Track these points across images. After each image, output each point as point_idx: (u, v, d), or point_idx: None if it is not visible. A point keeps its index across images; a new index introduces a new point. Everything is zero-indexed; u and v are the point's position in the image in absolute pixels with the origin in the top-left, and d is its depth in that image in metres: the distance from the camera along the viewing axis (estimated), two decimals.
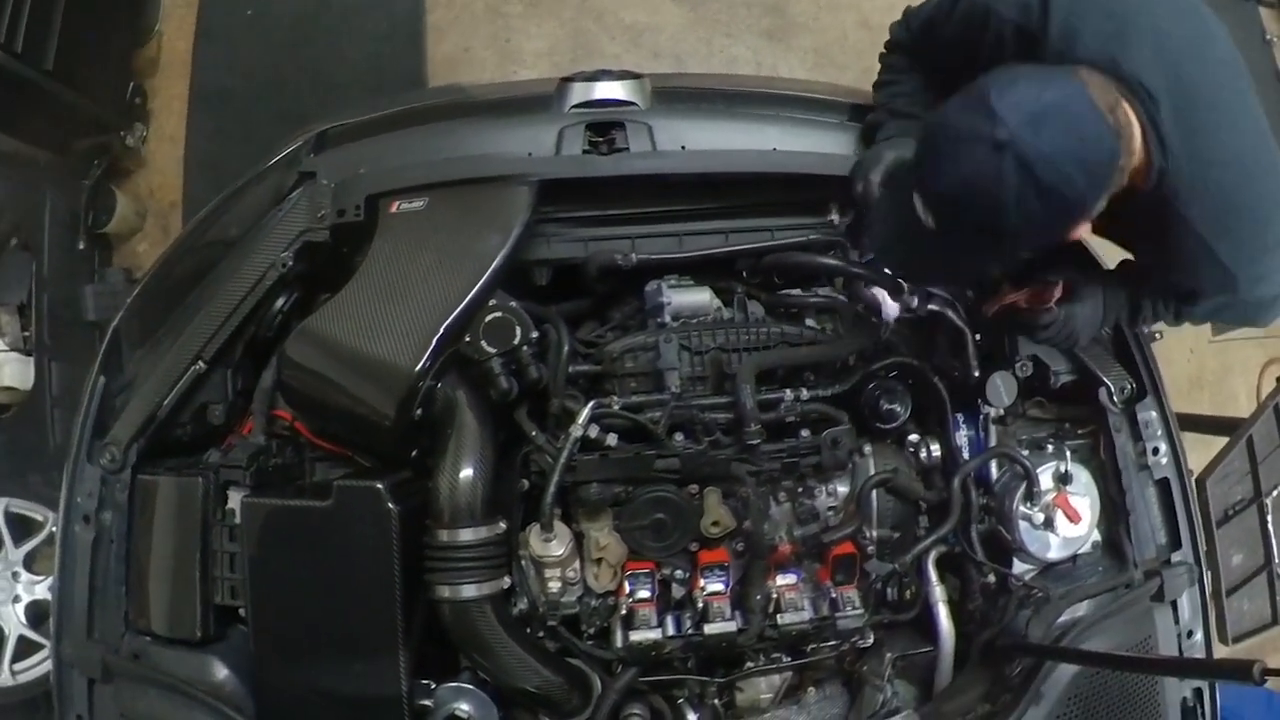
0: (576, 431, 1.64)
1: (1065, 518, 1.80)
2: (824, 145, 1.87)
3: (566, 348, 1.72)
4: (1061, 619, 1.76)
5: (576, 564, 1.74)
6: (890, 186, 1.60)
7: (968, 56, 1.61)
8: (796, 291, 1.90)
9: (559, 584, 1.73)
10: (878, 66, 1.88)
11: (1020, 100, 1.26)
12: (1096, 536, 1.89)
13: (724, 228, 1.87)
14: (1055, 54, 1.41)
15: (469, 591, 1.61)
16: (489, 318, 1.62)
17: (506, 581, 1.68)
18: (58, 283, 3.07)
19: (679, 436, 1.72)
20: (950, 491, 1.82)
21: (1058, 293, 1.66)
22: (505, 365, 1.63)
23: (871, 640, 1.88)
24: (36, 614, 2.92)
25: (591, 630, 1.80)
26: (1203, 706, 1.81)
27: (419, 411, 1.64)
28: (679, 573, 1.79)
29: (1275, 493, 2.39)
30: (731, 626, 1.71)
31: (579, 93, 1.87)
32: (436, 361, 1.62)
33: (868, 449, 1.87)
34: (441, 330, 1.61)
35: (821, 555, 1.79)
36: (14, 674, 2.89)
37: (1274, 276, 1.53)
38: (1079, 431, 1.93)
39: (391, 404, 1.61)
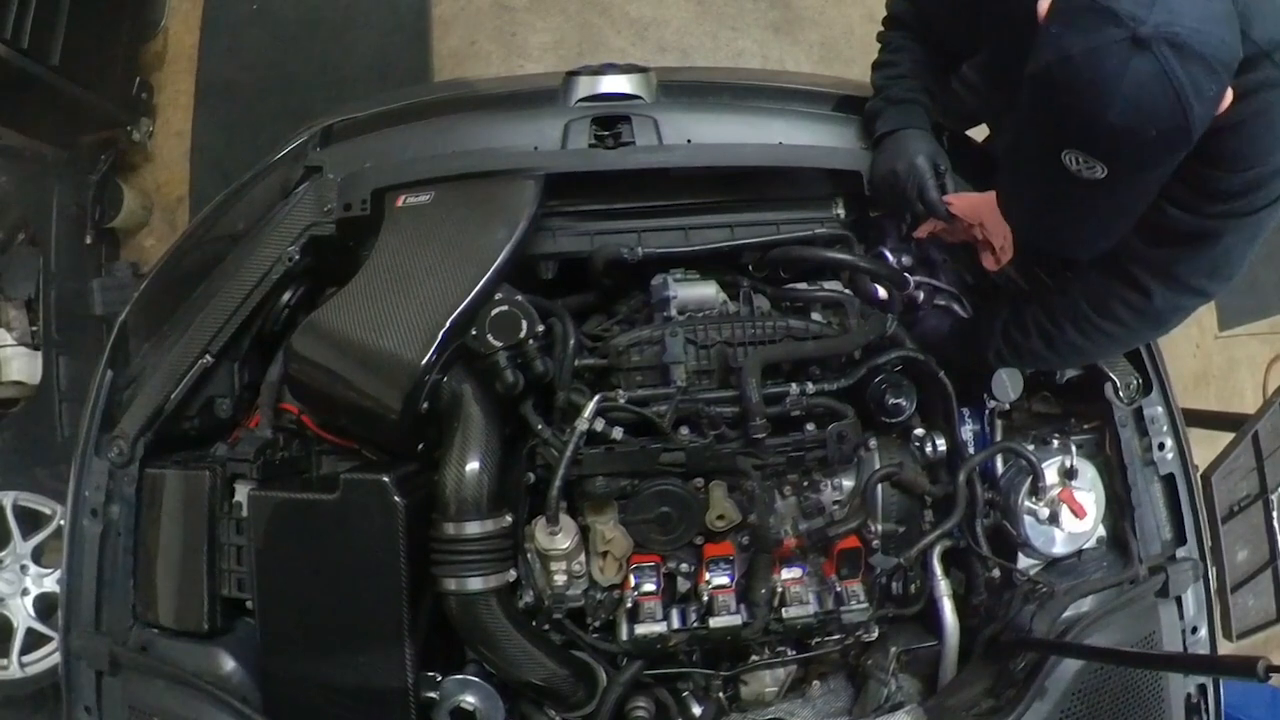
0: (582, 425, 1.64)
1: (1070, 513, 1.80)
2: (830, 139, 1.87)
3: (572, 341, 1.72)
4: (1066, 614, 1.76)
5: (582, 557, 1.74)
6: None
7: (972, 20, 1.57)
8: (802, 285, 1.90)
9: (564, 577, 1.73)
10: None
11: None
12: (1101, 532, 1.89)
13: (730, 221, 1.87)
14: None
15: (475, 584, 1.61)
16: (495, 311, 1.62)
17: (512, 574, 1.68)
18: (65, 277, 3.09)
19: (684, 430, 1.72)
20: (955, 486, 1.82)
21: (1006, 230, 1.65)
22: (511, 359, 1.63)
23: (876, 634, 1.88)
24: (45, 606, 2.94)
25: (597, 623, 1.80)
26: (1207, 702, 1.81)
27: (425, 405, 1.65)
28: (684, 566, 1.79)
29: None
30: (736, 620, 1.71)
31: (585, 86, 1.87)
32: (443, 355, 1.62)
33: (873, 443, 1.87)
34: (448, 324, 1.61)
35: (826, 549, 1.79)
36: (23, 666, 2.92)
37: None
38: (1084, 426, 1.93)
39: (398, 397, 1.61)
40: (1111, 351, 1.78)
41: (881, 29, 1.85)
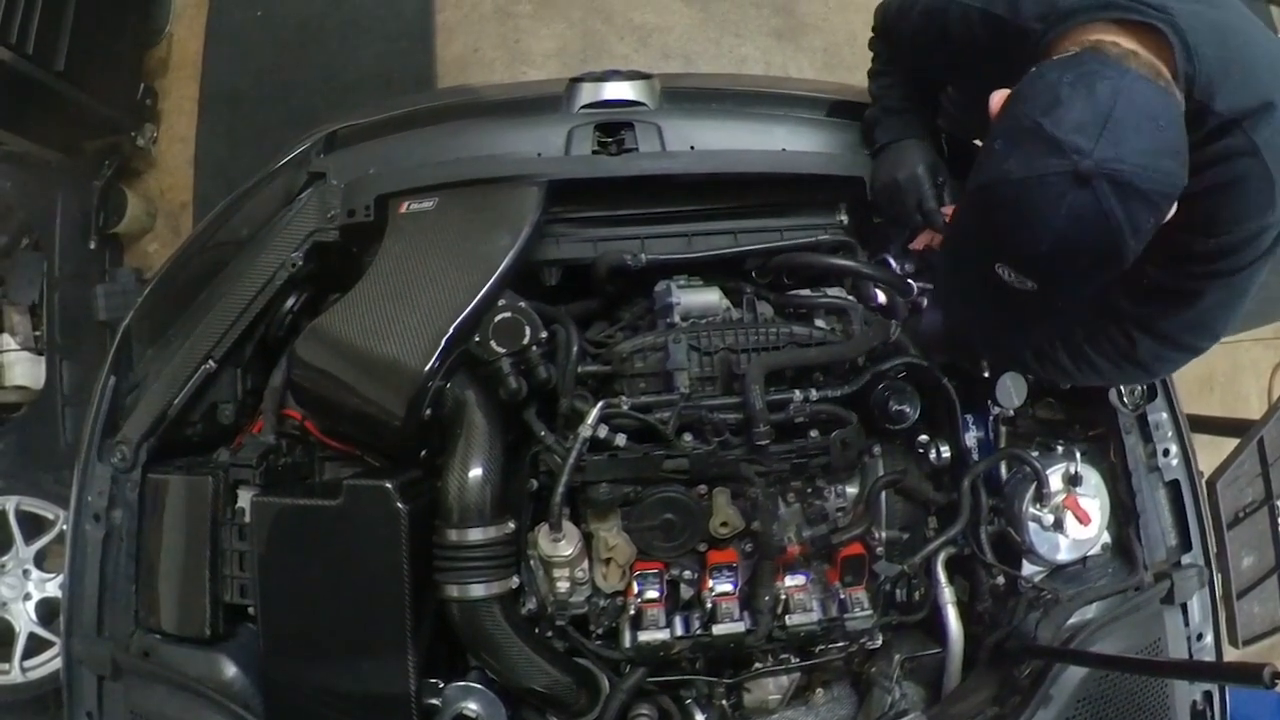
0: (585, 432, 1.64)
1: (1075, 519, 1.79)
2: (833, 145, 1.87)
3: (576, 348, 1.72)
4: (1071, 621, 1.75)
5: (585, 564, 1.74)
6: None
7: (933, 51, 1.56)
8: (805, 292, 1.89)
9: (567, 584, 1.73)
10: None
11: (1078, 117, 1.14)
12: (1106, 538, 1.89)
13: (733, 228, 1.87)
14: (1036, 18, 1.32)
15: (478, 591, 1.61)
16: (498, 318, 1.62)
17: (515, 581, 1.68)
18: (69, 283, 3.09)
19: (688, 437, 1.71)
20: (959, 493, 1.82)
21: None
22: (514, 365, 1.63)
23: (880, 641, 1.88)
24: (47, 611, 2.94)
25: (600, 630, 1.80)
26: (1212, 710, 1.81)
27: (428, 411, 1.65)
28: (688, 573, 1.79)
29: None
30: (740, 627, 1.71)
31: (588, 93, 1.88)
32: (446, 361, 1.62)
33: (877, 450, 1.87)
34: (451, 330, 1.61)
35: (830, 556, 1.79)
36: (24, 671, 2.92)
37: None
38: (1089, 433, 1.92)
39: (401, 404, 1.61)
40: (1097, 383, 1.75)
41: (871, 37, 1.85)
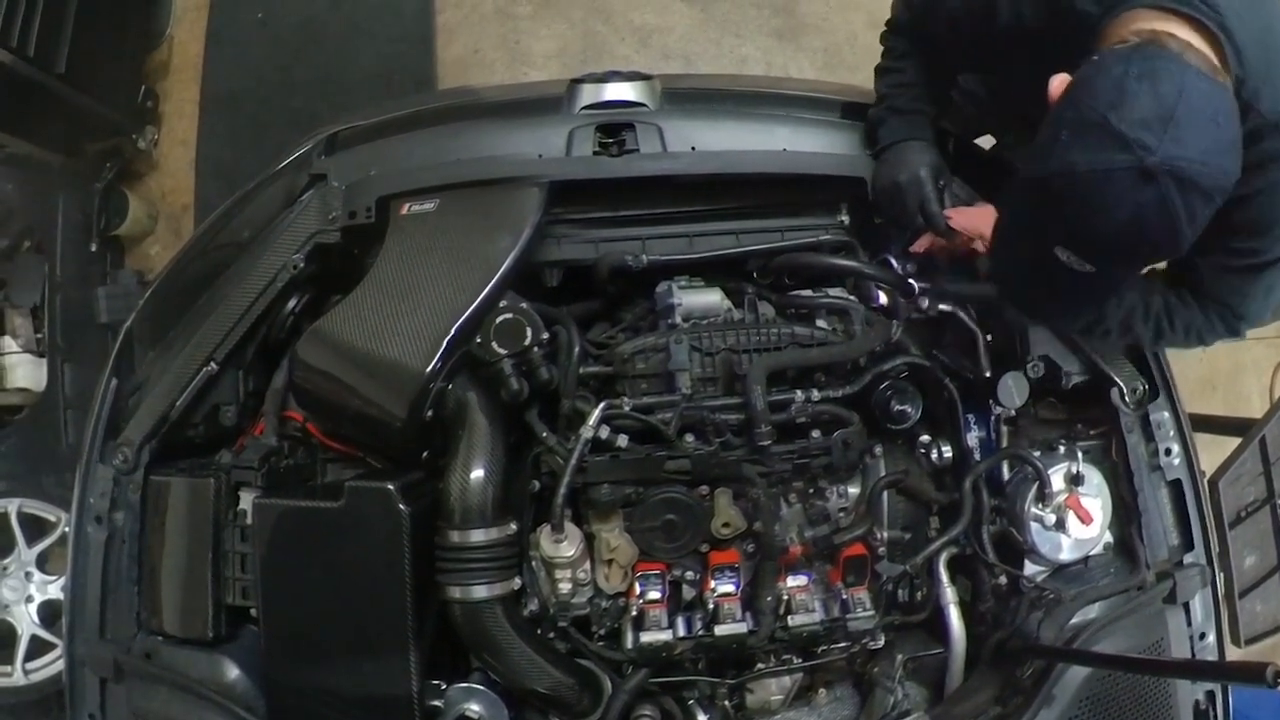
0: (587, 433, 1.64)
1: (1077, 519, 1.79)
2: (834, 146, 1.87)
3: (577, 349, 1.72)
4: (1073, 621, 1.75)
5: (587, 565, 1.74)
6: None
7: (975, 35, 1.56)
8: (807, 292, 1.89)
9: (569, 585, 1.73)
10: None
11: (1143, 112, 1.16)
12: (1108, 538, 1.88)
13: (734, 228, 1.87)
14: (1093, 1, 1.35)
15: (480, 592, 1.61)
16: (500, 319, 1.62)
17: (517, 582, 1.68)
18: (70, 285, 3.09)
19: (690, 438, 1.71)
20: (961, 493, 1.82)
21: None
22: (516, 366, 1.63)
23: (882, 642, 1.88)
24: (49, 613, 2.94)
25: (602, 631, 1.80)
26: (1215, 709, 1.80)
27: (430, 413, 1.65)
28: (690, 574, 1.79)
29: None
30: (742, 628, 1.71)
31: (589, 94, 1.88)
32: (447, 363, 1.62)
33: (878, 450, 1.87)
34: (452, 331, 1.61)
35: (832, 557, 1.79)
36: (27, 673, 2.92)
37: None
38: (1091, 432, 1.92)
39: (403, 405, 1.61)
40: (1133, 342, 1.80)
41: (884, 31, 1.85)
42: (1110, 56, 1.26)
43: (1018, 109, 1.73)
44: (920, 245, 1.85)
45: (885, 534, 1.85)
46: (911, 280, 1.88)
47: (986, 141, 2.23)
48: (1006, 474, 1.89)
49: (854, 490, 1.87)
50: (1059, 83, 1.31)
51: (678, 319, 1.80)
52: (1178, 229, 1.20)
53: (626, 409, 1.68)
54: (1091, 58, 1.29)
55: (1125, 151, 1.16)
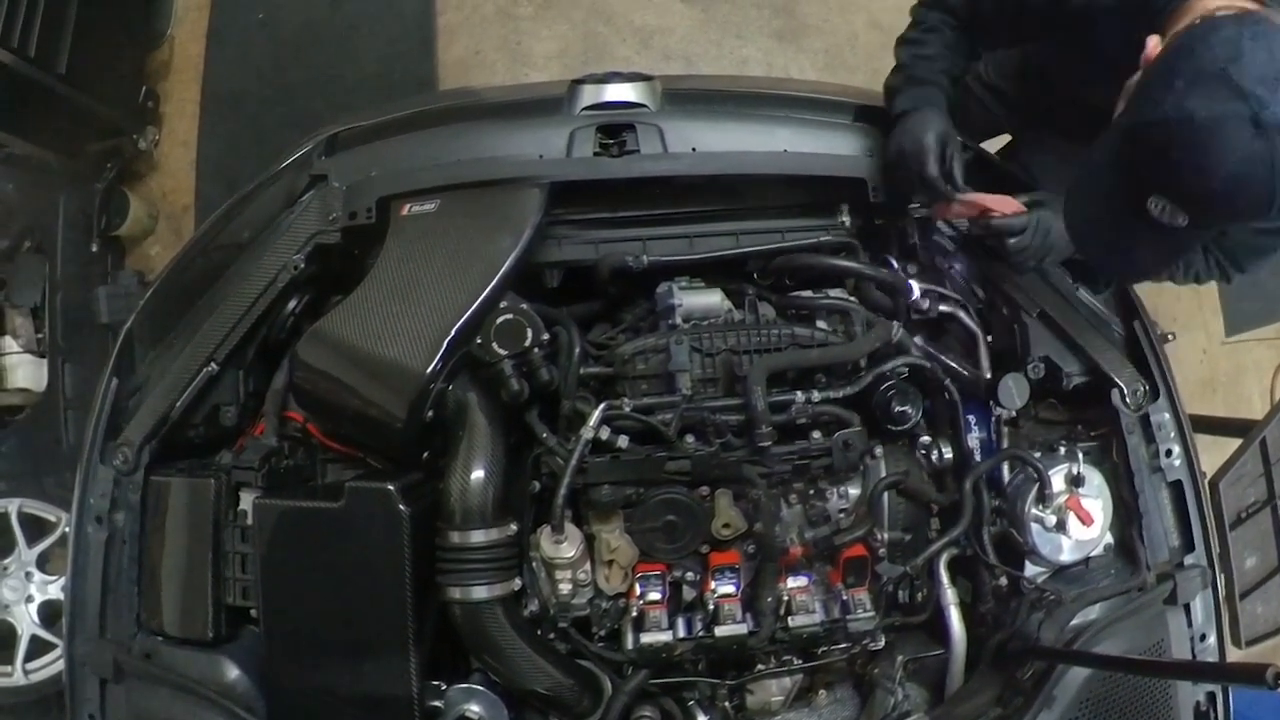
0: (587, 433, 1.64)
1: (1077, 520, 1.79)
2: (834, 147, 1.87)
3: (578, 349, 1.72)
4: (1074, 622, 1.75)
5: (587, 566, 1.74)
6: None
7: (1039, 14, 1.61)
8: (807, 293, 1.89)
9: (570, 586, 1.73)
10: (888, 68, 1.88)
11: (1260, 69, 1.20)
12: (1109, 539, 1.88)
13: (735, 229, 1.87)
14: None
15: (480, 593, 1.61)
16: (500, 320, 1.62)
17: (517, 583, 1.68)
18: (71, 285, 3.09)
19: (690, 438, 1.71)
20: (962, 494, 1.81)
21: (1014, 205, 1.68)
22: (516, 367, 1.63)
23: (883, 643, 1.88)
24: (49, 614, 2.94)
25: (602, 632, 1.80)
26: (1216, 710, 1.80)
27: (430, 413, 1.65)
28: (690, 575, 1.79)
29: None
30: (742, 629, 1.70)
31: (590, 95, 1.88)
32: (448, 363, 1.62)
33: (879, 451, 1.87)
34: (453, 332, 1.61)
35: (833, 557, 1.79)
36: (27, 673, 2.92)
37: None
38: (1091, 433, 1.92)
39: (403, 406, 1.61)
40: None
41: (916, 4, 1.85)
42: (1220, 19, 1.30)
43: (1061, 90, 1.80)
44: (937, 215, 1.84)
45: (885, 535, 1.85)
46: (912, 281, 1.89)
47: (988, 144, 2.22)
48: (1007, 475, 1.89)
49: (854, 491, 1.87)
50: (1154, 42, 1.35)
51: (678, 320, 1.80)
52: (1276, 187, 1.22)
53: (627, 410, 1.68)
54: (1189, 23, 1.33)
55: (1243, 102, 1.19)
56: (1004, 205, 1.71)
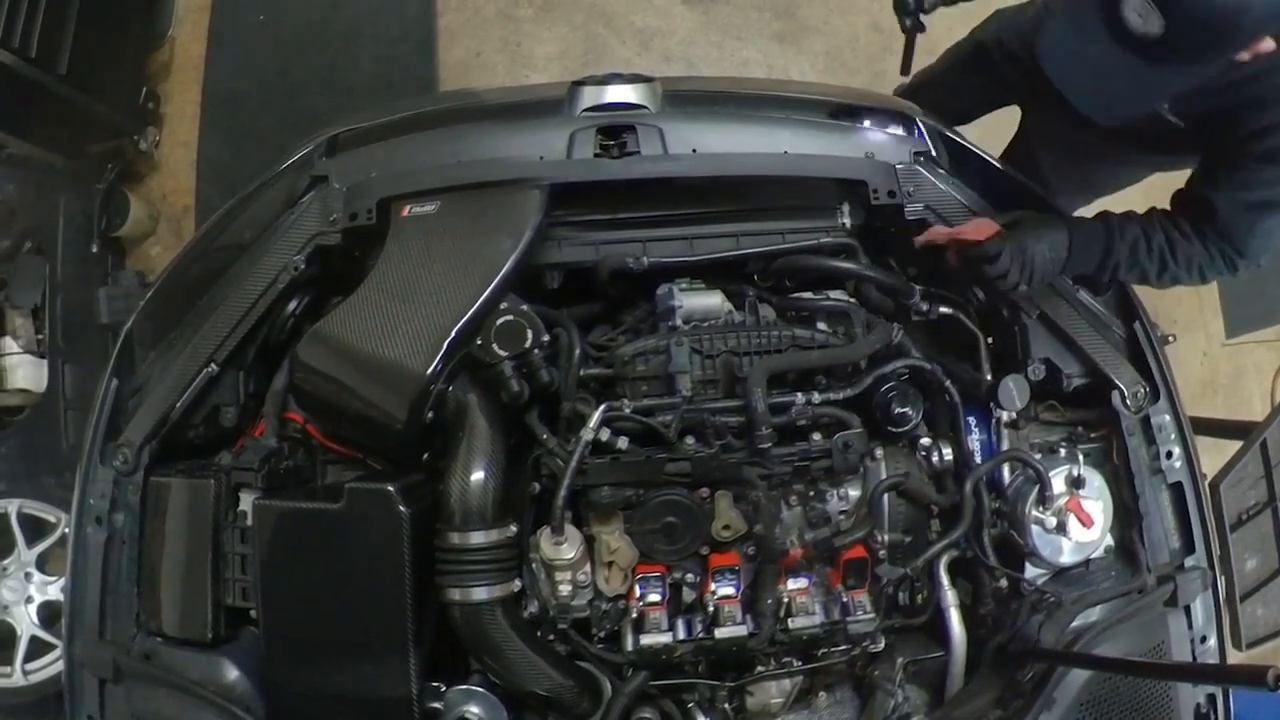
0: (587, 435, 1.64)
1: (1078, 522, 1.79)
2: (835, 148, 1.88)
3: (578, 351, 1.72)
4: (1074, 624, 1.75)
5: (587, 567, 1.74)
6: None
7: None
8: (807, 294, 1.89)
9: (569, 587, 1.73)
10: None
11: None
12: (1109, 541, 1.88)
13: (735, 231, 1.87)
14: None
15: (480, 594, 1.61)
16: (500, 321, 1.62)
17: (517, 584, 1.68)
18: (71, 286, 3.09)
19: (690, 440, 1.71)
20: (962, 495, 1.81)
21: (992, 230, 1.70)
22: (517, 368, 1.63)
23: (883, 645, 1.88)
24: (49, 614, 2.93)
25: (602, 634, 1.80)
26: (1216, 712, 1.80)
27: (430, 414, 1.65)
28: (690, 576, 1.79)
29: None
30: (742, 630, 1.70)
31: (590, 96, 1.88)
32: (448, 365, 1.62)
33: (879, 453, 1.87)
34: (453, 333, 1.61)
35: (833, 559, 1.79)
36: (26, 674, 2.91)
37: None
38: (1092, 435, 1.92)
39: (403, 407, 1.61)
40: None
41: None
42: None
43: None
44: (923, 239, 1.84)
45: (886, 537, 1.85)
46: (912, 282, 1.89)
47: (981, 137, 2.22)
48: (1007, 477, 1.89)
49: (854, 493, 1.87)
50: None
51: (678, 321, 1.80)
52: (1247, 6, 1.26)
53: (627, 411, 1.68)
54: None
55: None
56: (980, 231, 1.72)
